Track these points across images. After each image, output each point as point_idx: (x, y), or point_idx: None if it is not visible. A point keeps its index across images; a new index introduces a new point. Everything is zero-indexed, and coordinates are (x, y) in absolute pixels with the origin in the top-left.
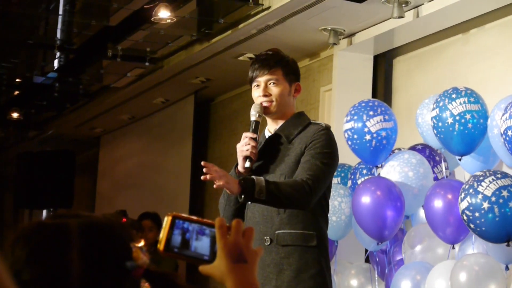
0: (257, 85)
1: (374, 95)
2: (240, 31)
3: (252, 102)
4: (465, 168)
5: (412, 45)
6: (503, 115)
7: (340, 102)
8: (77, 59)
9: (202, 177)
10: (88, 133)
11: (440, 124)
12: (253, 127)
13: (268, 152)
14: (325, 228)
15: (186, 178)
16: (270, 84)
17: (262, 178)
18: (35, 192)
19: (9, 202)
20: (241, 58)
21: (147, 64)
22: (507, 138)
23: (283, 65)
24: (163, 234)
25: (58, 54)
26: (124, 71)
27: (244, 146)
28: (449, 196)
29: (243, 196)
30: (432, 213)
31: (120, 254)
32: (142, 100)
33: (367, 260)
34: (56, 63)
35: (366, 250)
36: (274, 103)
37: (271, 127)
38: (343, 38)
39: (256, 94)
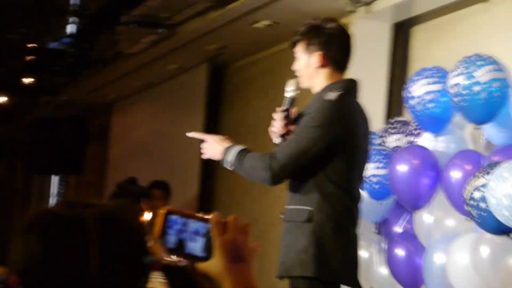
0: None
1: (391, 64)
2: None
3: (268, 70)
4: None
5: (431, 14)
6: None
7: (356, 71)
8: (91, 24)
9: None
10: (101, 99)
11: (465, 91)
12: (286, 103)
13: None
14: (329, 205)
15: (197, 147)
16: (295, 59)
17: (238, 148)
18: (46, 158)
19: (21, 168)
20: (257, 25)
21: (161, 30)
22: None
23: (300, 38)
24: (157, 230)
25: (72, 20)
26: (138, 37)
27: (273, 121)
28: (468, 168)
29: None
30: (449, 185)
31: (138, 249)
32: (155, 66)
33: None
34: (70, 29)
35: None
36: (299, 78)
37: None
38: (361, 6)
39: None
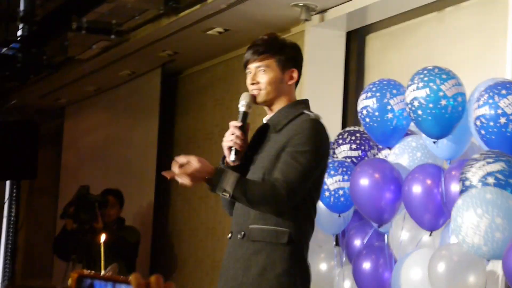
0: (249, 72)
1: (346, 72)
2: (209, 5)
3: (221, 77)
4: (436, 153)
5: (386, 22)
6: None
7: (311, 79)
8: (41, 30)
9: (166, 175)
10: (52, 104)
11: (431, 105)
12: (240, 118)
13: (256, 143)
14: (307, 226)
15: (153, 153)
16: (259, 71)
17: (235, 176)
18: None
19: None
20: (210, 32)
21: (112, 37)
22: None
23: (275, 51)
24: None
25: (21, 25)
26: (89, 43)
27: (228, 136)
28: (428, 182)
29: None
30: (410, 199)
31: None
32: (108, 72)
33: (336, 243)
34: (19, 34)
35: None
36: (263, 92)
37: (267, 116)
38: (315, 14)
39: (247, 81)
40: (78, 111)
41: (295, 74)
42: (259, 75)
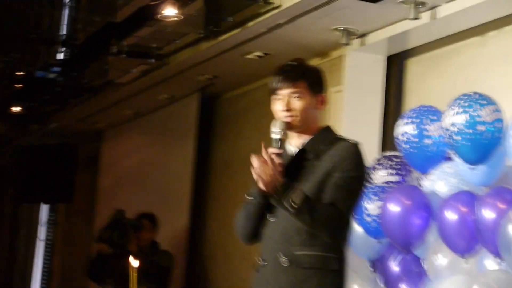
0: (279, 99)
1: (386, 97)
2: (249, 29)
3: (259, 101)
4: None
5: (426, 47)
6: None
7: (350, 103)
8: (81, 54)
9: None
10: (90, 127)
11: (470, 131)
12: (278, 145)
13: (293, 169)
14: (345, 251)
15: (188, 177)
16: (293, 97)
17: (303, 191)
18: (35, 186)
19: (10, 196)
20: (249, 56)
21: (152, 60)
22: None
23: (307, 76)
24: None
25: (62, 49)
26: (129, 67)
27: (262, 165)
28: (462, 209)
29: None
30: (444, 225)
31: None
32: (146, 96)
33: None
34: (60, 58)
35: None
36: (298, 118)
37: (296, 142)
38: (356, 38)
39: (278, 107)
40: (116, 135)
41: (325, 99)
42: (293, 102)
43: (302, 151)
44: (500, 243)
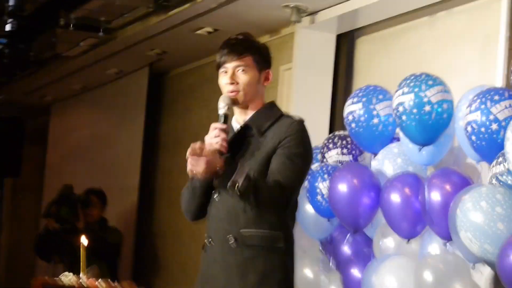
0: (225, 72)
1: (335, 75)
2: (199, 4)
3: (209, 77)
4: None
5: (376, 26)
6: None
7: (300, 82)
8: (29, 26)
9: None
10: (38, 101)
11: (415, 111)
12: (222, 121)
13: (237, 145)
14: (292, 228)
15: (138, 153)
16: (238, 71)
17: (245, 172)
18: None
19: None
20: (199, 31)
21: (101, 34)
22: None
23: (254, 51)
24: None
25: (9, 20)
26: (76, 40)
27: (213, 138)
28: (406, 190)
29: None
30: (388, 207)
31: None
32: (95, 70)
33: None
34: (7, 29)
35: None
36: (241, 92)
37: (239, 118)
38: (306, 16)
39: (223, 81)
40: (64, 109)
41: (270, 75)
42: (239, 75)
43: (246, 127)
44: (450, 225)
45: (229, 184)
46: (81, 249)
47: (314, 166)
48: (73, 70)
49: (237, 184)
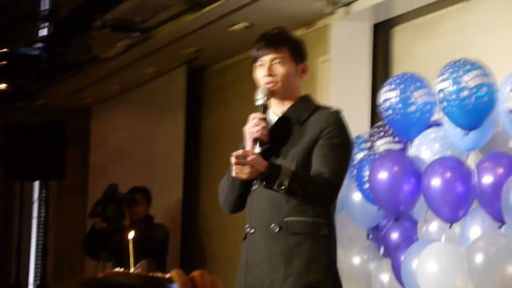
0: (261, 65)
1: (373, 65)
2: (233, 0)
3: (247, 72)
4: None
5: (412, 14)
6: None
7: (338, 73)
8: (64, 29)
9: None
10: (78, 103)
11: (453, 96)
12: (261, 111)
13: (278, 135)
14: (334, 215)
15: (179, 150)
16: (275, 63)
17: (289, 169)
18: (26, 164)
19: (0, 173)
20: (234, 27)
21: (136, 34)
22: None
23: (290, 44)
24: None
25: (45, 24)
26: (112, 42)
27: (253, 127)
28: (447, 175)
29: (264, 183)
30: (430, 192)
31: None
32: (132, 70)
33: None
34: (43, 34)
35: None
36: (279, 84)
37: (276, 110)
38: (340, 7)
39: (260, 74)
40: (104, 110)
41: (306, 68)
42: (276, 67)
43: (284, 118)
44: (503, 207)
45: (275, 186)
46: (129, 244)
47: (361, 154)
48: (111, 71)
49: (283, 186)
